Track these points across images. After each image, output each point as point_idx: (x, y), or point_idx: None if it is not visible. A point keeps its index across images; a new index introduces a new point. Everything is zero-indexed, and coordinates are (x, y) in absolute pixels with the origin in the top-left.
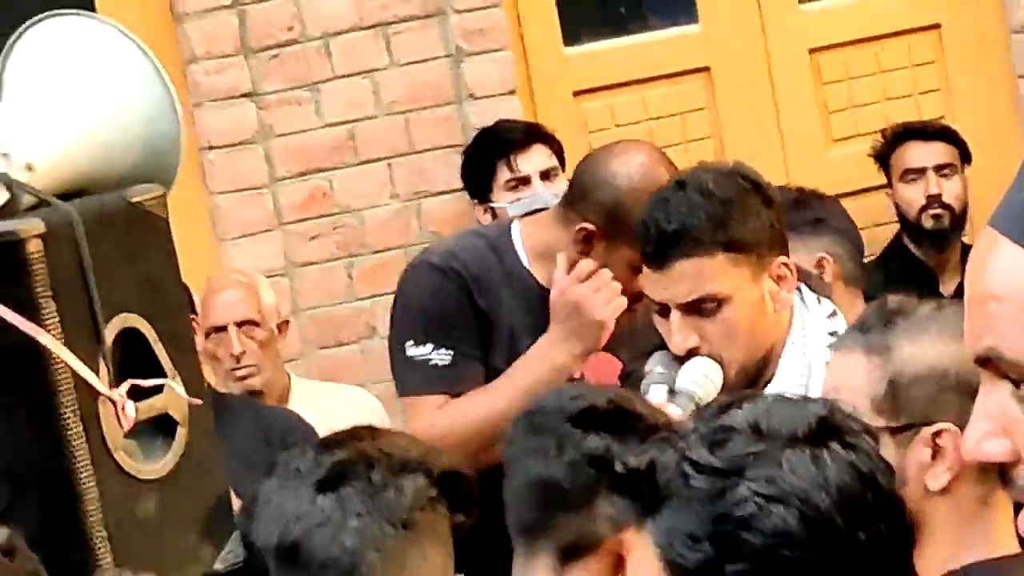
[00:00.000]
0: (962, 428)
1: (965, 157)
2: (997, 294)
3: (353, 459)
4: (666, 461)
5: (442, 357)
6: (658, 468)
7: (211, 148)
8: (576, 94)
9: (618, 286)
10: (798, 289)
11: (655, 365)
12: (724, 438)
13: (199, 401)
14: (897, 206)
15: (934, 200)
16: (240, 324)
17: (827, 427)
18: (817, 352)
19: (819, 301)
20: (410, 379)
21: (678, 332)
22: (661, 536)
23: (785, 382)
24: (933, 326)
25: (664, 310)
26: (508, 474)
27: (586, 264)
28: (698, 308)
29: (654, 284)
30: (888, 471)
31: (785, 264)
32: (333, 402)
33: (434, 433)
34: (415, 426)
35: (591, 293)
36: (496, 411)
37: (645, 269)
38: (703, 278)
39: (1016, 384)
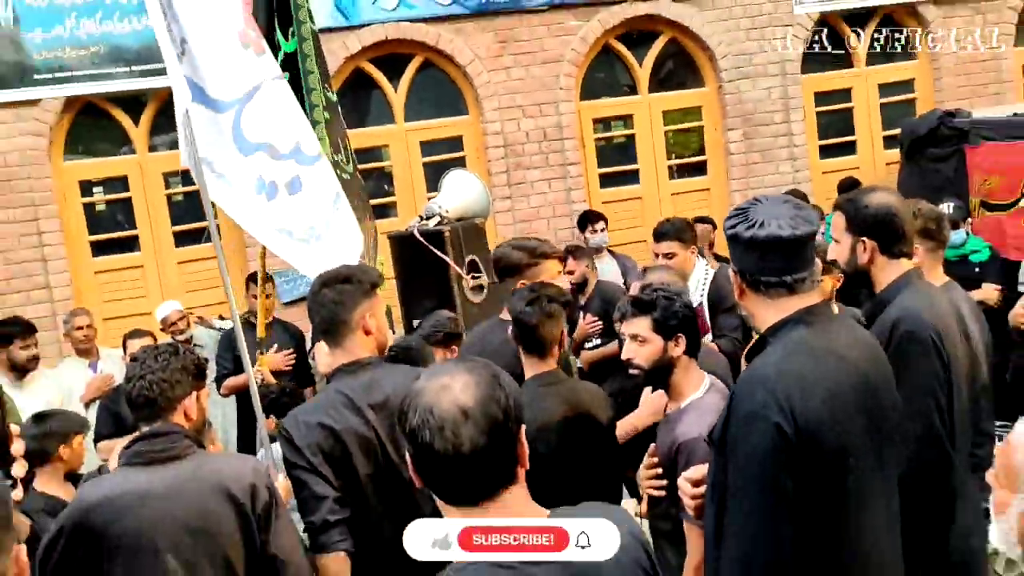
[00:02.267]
0: None
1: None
2: None
3: None
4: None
5: None
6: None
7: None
8: (603, 203)
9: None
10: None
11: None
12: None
13: (490, 281)
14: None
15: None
16: None
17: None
18: (699, 275)
19: (702, 257)
20: None
21: (659, 263)
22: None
23: (694, 283)
24: None
25: (658, 258)
26: None
27: None
28: (667, 256)
29: (655, 248)
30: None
31: (694, 248)
32: None
33: None
34: None
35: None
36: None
37: (655, 243)
38: (670, 246)
39: None
